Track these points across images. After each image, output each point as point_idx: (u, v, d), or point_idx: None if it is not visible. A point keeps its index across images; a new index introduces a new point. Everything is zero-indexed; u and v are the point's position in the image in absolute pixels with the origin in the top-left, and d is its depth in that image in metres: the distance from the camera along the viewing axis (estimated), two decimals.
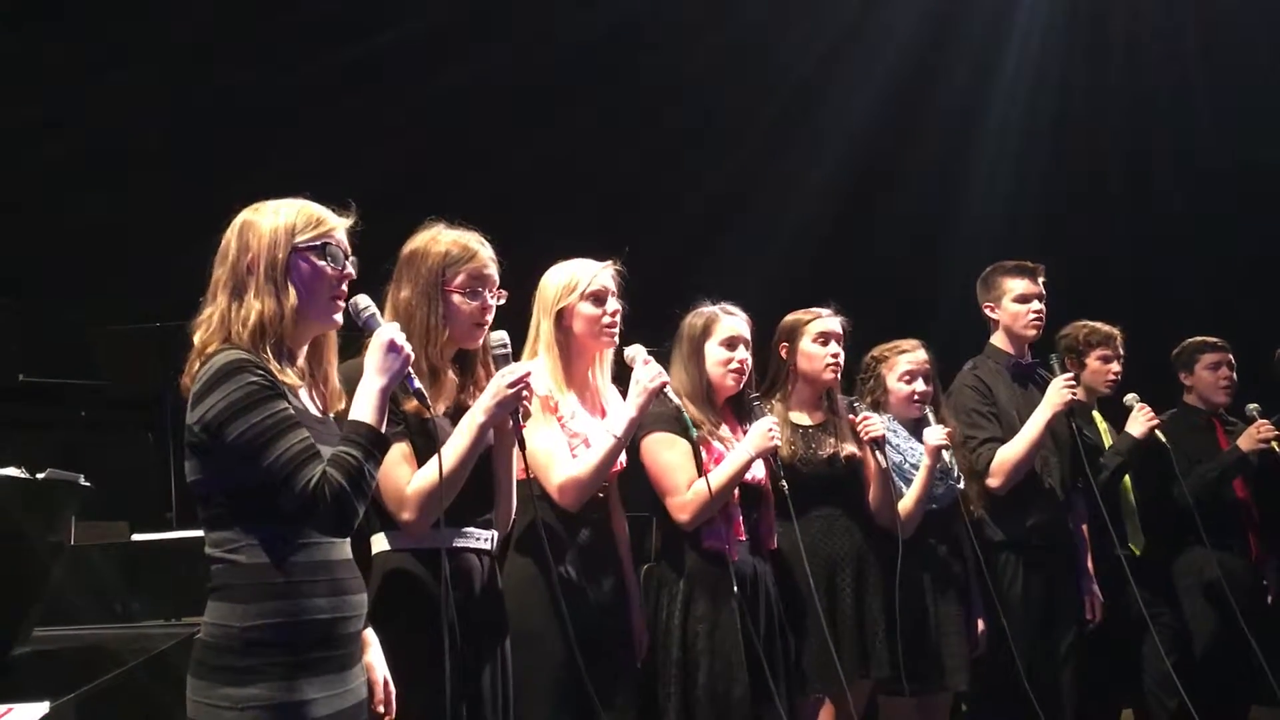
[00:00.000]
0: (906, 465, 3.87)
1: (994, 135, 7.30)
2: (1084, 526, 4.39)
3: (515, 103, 6.67)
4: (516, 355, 2.81)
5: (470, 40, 6.54)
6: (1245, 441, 4.64)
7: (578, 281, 3.12)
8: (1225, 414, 4.95)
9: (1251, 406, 4.72)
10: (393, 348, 2.25)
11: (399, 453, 2.54)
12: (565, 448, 3.02)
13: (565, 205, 6.47)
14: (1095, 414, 4.66)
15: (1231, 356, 4.91)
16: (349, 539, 2.25)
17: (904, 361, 3.97)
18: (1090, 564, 4.35)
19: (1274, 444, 4.61)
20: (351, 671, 2.23)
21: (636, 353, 3.10)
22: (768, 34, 7.10)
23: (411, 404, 2.52)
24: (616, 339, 3.16)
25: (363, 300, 2.36)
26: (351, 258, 2.29)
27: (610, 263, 3.19)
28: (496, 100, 6.61)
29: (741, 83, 7.10)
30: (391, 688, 2.40)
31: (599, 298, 3.12)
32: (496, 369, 2.66)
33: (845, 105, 7.17)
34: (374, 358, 2.25)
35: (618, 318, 3.14)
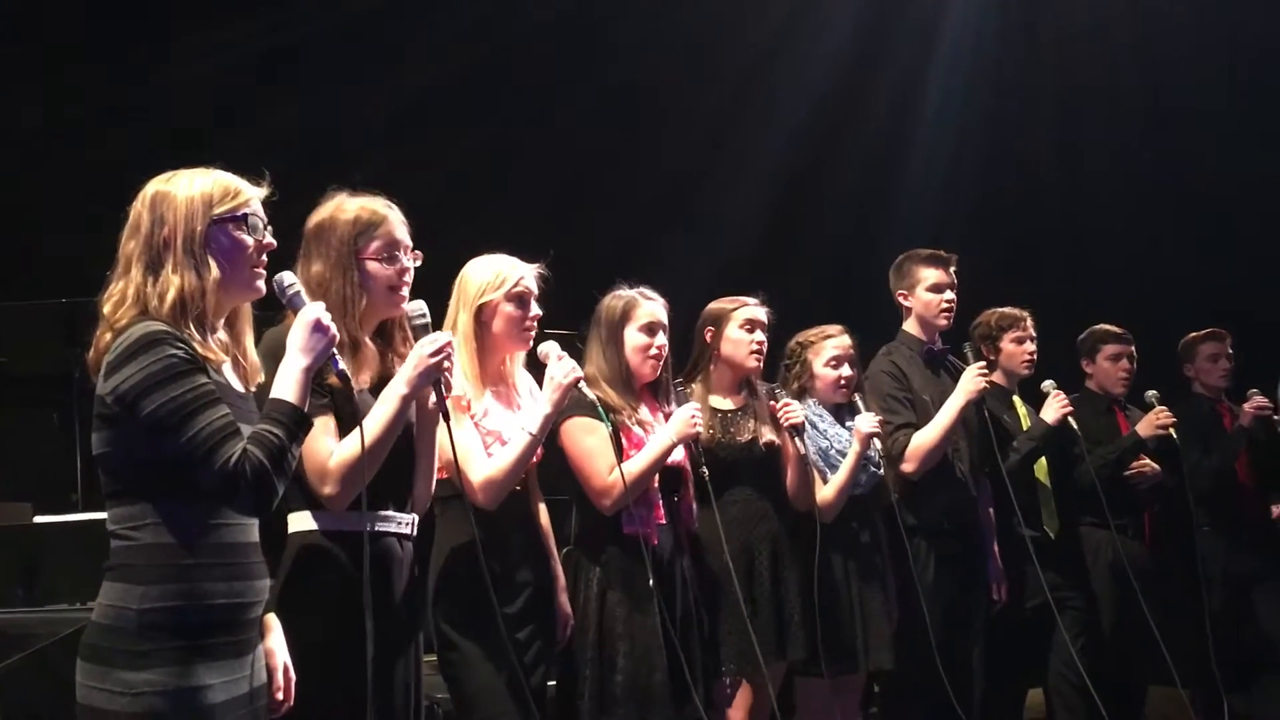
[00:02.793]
0: (833, 451, 3.91)
1: (929, 129, 7.38)
2: (990, 510, 4.47)
3: (463, 88, 6.59)
4: None
5: (421, 25, 6.47)
6: (1144, 427, 4.76)
7: (504, 280, 3.08)
8: (1125, 401, 5.08)
9: (1150, 393, 4.85)
10: (318, 327, 2.21)
11: (322, 426, 2.47)
12: (480, 446, 2.99)
13: (510, 192, 6.43)
14: (1015, 398, 4.75)
15: (1133, 349, 5.01)
16: (258, 521, 2.21)
17: (830, 347, 4.01)
18: (996, 547, 4.44)
19: (1171, 430, 4.74)
20: (250, 657, 2.18)
21: (550, 348, 3.07)
22: (711, 24, 7.10)
23: (334, 378, 2.47)
24: (531, 342, 3.13)
25: (287, 277, 2.31)
26: (269, 227, 2.24)
27: (537, 265, 3.16)
28: (444, 85, 6.52)
29: (684, 74, 7.11)
30: (292, 674, 2.35)
31: (522, 299, 3.08)
32: (416, 339, 2.60)
33: (784, 99, 7.22)
34: (298, 336, 2.20)
35: (535, 322, 3.12)
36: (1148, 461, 4.80)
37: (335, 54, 6.34)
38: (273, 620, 2.34)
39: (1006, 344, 4.67)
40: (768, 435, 3.75)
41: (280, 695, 2.32)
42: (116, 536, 2.09)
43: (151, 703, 2.00)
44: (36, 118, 5.71)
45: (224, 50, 6.04)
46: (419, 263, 2.70)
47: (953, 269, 4.36)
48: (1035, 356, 4.69)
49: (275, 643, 2.34)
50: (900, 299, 4.41)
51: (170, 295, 2.10)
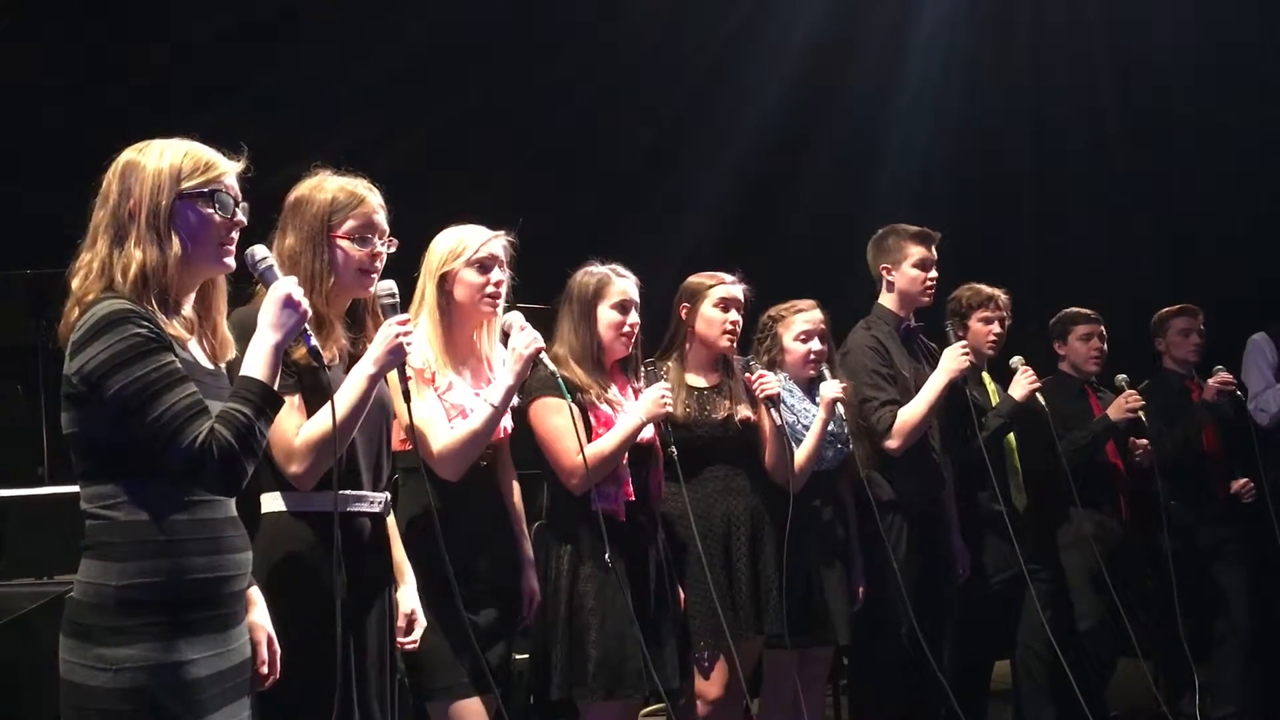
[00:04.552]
0: (799, 426, 3.91)
1: (906, 108, 7.39)
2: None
3: (435, 63, 6.52)
4: None
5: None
6: (1114, 411, 4.84)
7: (465, 247, 3.05)
8: (1097, 382, 5.13)
9: (1120, 377, 4.92)
10: (289, 303, 2.18)
11: (289, 404, 2.44)
12: (443, 417, 2.96)
13: (483, 168, 6.38)
14: (984, 374, 4.79)
15: (1103, 328, 5.08)
16: (234, 497, 2.18)
17: (800, 321, 4.00)
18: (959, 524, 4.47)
19: (1140, 413, 4.80)
20: (234, 631, 2.17)
21: (513, 319, 3.04)
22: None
23: (301, 351, 2.43)
24: (499, 310, 3.09)
25: (260, 251, 2.28)
26: (243, 204, 2.20)
27: (502, 232, 3.12)
28: (417, 59, 6.44)
29: (660, 50, 7.07)
30: (276, 647, 2.34)
31: (485, 265, 3.05)
32: (384, 319, 2.58)
33: (761, 75, 7.20)
34: (269, 312, 2.17)
35: (501, 288, 3.07)
36: (1143, 441, 4.91)
37: (323, 26, 6.27)
38: (256, 594, 2.33)
39: (975, 322, 4.70)
40: (743, 412, 3.75)
41: (265, 669, 2.31)
42: (91, 515, 2.07)
43: (133, 677, 1.99)
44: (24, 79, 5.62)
45: (210, 14, 5.96)
46: (393, 249, 2.68)
47: (934, 247, 4.36)
48: (1001, 338, 4.71)
49: (259, 616, 2.33)
50: (882, 273, 4.35)
51: (132, 269, 2.07)
